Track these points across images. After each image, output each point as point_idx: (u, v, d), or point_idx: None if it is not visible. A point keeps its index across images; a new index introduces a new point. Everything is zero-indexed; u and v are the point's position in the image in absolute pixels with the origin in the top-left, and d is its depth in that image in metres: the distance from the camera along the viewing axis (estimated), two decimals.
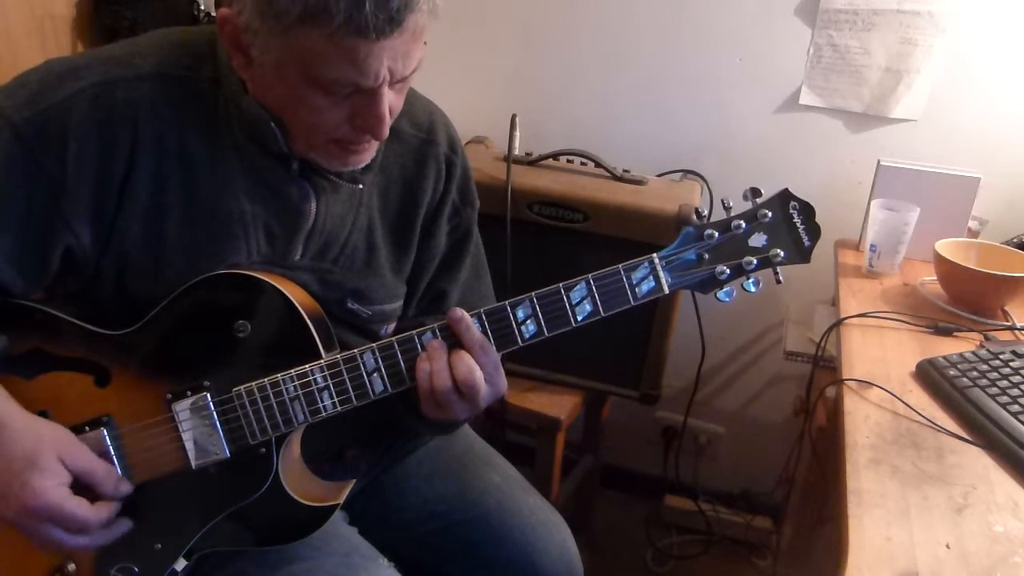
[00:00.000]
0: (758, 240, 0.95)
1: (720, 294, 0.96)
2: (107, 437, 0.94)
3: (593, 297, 0.93)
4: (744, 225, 0.94)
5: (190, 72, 0.93)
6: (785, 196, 0.95)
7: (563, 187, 1.64)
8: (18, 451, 0.86)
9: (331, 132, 0.90)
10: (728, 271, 0.95)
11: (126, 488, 0.93)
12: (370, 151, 0.96)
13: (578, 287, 0.93)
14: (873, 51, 1.72)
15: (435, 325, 0.94)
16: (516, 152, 1.75)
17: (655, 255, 0.94)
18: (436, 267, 1.14)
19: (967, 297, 1.40)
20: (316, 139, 0.92)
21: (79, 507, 0.88)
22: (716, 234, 0.94)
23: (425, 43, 0.87)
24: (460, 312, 0.93)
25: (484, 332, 0.93)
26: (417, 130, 1.08)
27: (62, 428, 0.92)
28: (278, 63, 0.85)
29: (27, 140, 0.87)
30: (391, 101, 0.89)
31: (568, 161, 1.75)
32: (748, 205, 0.95)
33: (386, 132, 0.90)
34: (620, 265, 0.94)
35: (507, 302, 0.93)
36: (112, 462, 0.94)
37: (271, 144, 0.93)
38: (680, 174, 1.86)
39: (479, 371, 0.92)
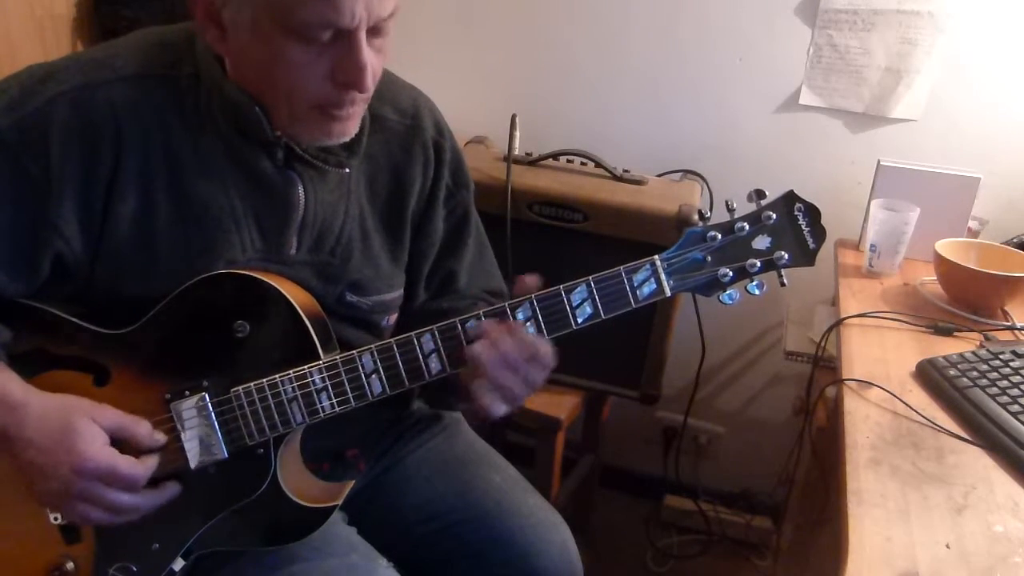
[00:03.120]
0: (762, 242, 0.93)
1: (723, 297, 0.94)
2: None
3: (594, 299, 0.93)
4: (748, 227, 0.93)
5: (170, 70, 0.93)
6: (790, 198, 0.94)
7: (563, 187, 1.64)
8: (51, 422, 0.88)
9: (313, 93, 0.89)
10: (731, 273, 0.93)
11: (161, 437, 0.94)
12: (354, 120, 0.94)
13: (578, 289, 0.93)
14: (873, 51, 1.71)
15: (435, 327, 0.94)
16: (516, 152, 1.74)
17: (657, 257, 0.93)
18: (441, 251, 1.14)
19: (967, 297, 1.40)
20: (298, 105, 0.90)
21: (128, 465, 0.89)
22: (719, 236, 0.93)
23: None
24: (478, 350, 0.92)
25: None
26: (402, 116, 1.08)
27: (80, 396, 0.92)
28: (253, 19, 0.84)
29: (10, 145, 0.88)
30: (371, 60, 0.88)
31: (568, 161, 1.75)
32: (752, 207, 0.94)
33: (370, 85, 0.89)
34: (621, 267, 0.93)
35: (507, 304, 0.93)
36: None
37: (255, 130, 0.92)
38: (680, 174, 1.86)
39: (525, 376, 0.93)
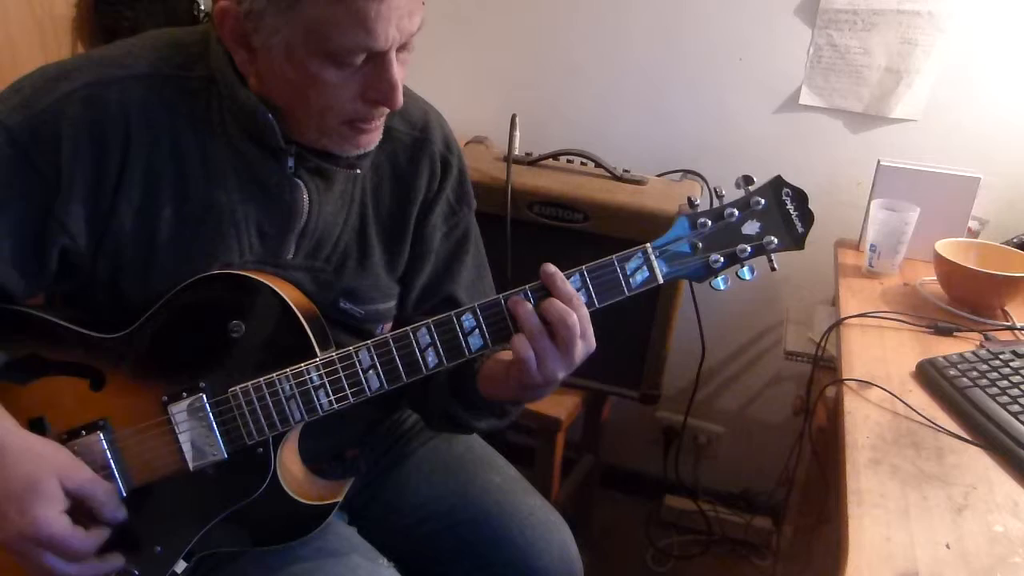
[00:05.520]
0: (751, 228, 0.94)
1: (715, 282, 0.95)
2: (103, 441, 0.94)
3: (587, 288, 0.93)
4: (737, 213, 0.94)
5: (183, 71, 0.93)
6: (777, 183, 0.95)
7: (563, 187, 1.64)
8: (18, 474, 0.85)
9: (344, 111, 0.90)
10: (722, 259, 0.94)
11: (122, 515, 0.92)
12: (380, 130, 0.96)
13: (572, 279, 0.92)
14: (873, 51, 1.71)
15: (430, 321, 0.93)
16: (516, 152, 1.74)
17: (648, 245, 0.94)
18: (440, 271, 1.14)
19: (967, 297, 1.40)
20: (329, 122, 0.91)
21: (76, 538, 0.87)
22: (709, 223, 0.94)
23: (423, 3, 0.88)
24: (552, 268, 0.91)
25: (478, 325, 0.93)
26: (411, 128, 1.08)
27: (61, 447, 0.91)
28: (287, 43, 0.85)
29: (21, 143, 0.88)
30: (399, 75, 0.89)
31: (568, 161, 1.75)
32: (740, 193, 0.95)
33: (400, 100, 0.90)
34: (614, 256, 0.93)
35: (501, 295, 0.93)
36: (109, 466, 0.94)
37: (267, 138, 0.93)
38: (680, 174, 1.86)
39: (573, 316, 0.90)
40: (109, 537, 0.92)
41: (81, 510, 0.90)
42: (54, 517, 0.85)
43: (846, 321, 1.35)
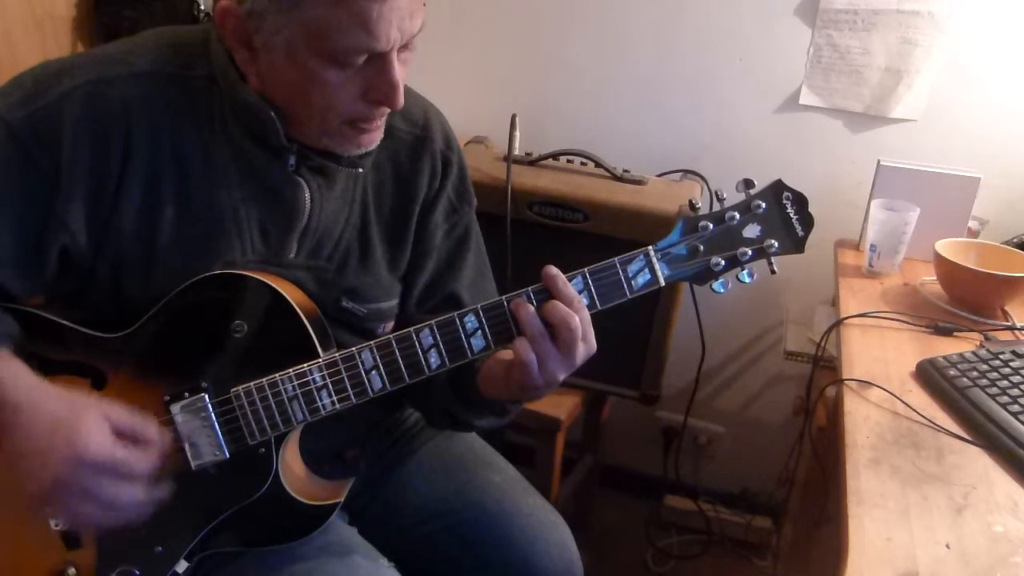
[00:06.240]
0: (752, 231, 0.95)
1: (715, 285, 0.96)
2: None
3: (589, 291, 0.93)
4: (738, 216, 0.94)
5: (184, 70, 0.94)
6: (778, 187, 0.95)
7: (563, 187, 1.64)
8: (61, 408, 0.84)
9: (346, 111, 0.90)
10: (723, 262, 0.95)
11: (167, 439, 0.91)
12: (381, 129, 0.96)
13: (574, 281, 0.93)
14: (873, 51, 1.71)
15: (433, 322, 0.93)
16: (516, 152, 1.74)
17: (650, 247, 0.94)
18: (441, 270, 1.14)
19: (967, 297, 1.40)
20: (330, 122, 0.91)
21: (127, 452, 0.85)
22: (710, 226, 0.94)
23: (424, 4, 0.88)
24: (555, 270, 0.92)
25: (481, 326, 0.93)
26: (412, 127, 1.09)
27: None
28: (288, 43, 0.85)
29: (22, 139, 0.88)
30: (400, 75, 0.89)
31: (568, 161, 1.75)
32: (742, 196, 0.95)
33: (401, 100, 0.90)
34: (616, 258, 0.94)
35: (504, 297, 0.93)
36: None
37: (269, 136, 0.93)
38: (680, 174, 1.86)
39: (575, 318, 0.90)
40: (112, 531, 0.91)
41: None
42: (102, 440, 0.84)
43: (846, 321, 1.35)
